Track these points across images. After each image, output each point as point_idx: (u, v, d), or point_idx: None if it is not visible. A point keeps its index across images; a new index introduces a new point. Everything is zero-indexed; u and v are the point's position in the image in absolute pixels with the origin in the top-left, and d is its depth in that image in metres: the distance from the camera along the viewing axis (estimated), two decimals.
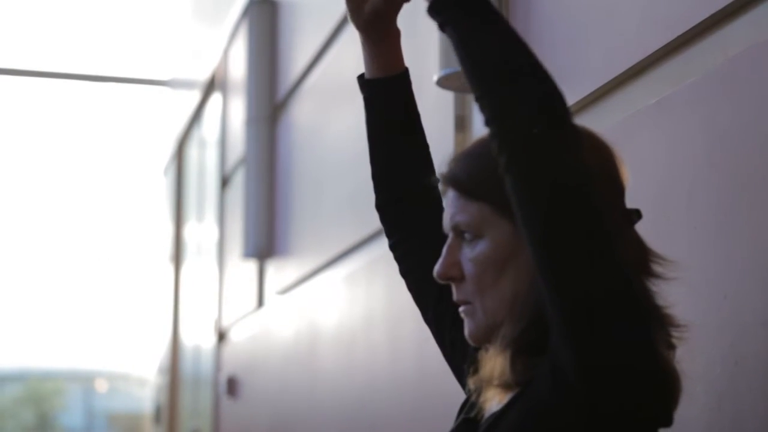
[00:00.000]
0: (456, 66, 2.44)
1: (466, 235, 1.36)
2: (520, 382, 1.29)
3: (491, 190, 1.34)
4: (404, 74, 1.64)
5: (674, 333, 1.31)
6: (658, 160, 1.82)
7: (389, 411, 3.20)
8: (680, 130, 1.77)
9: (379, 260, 3.23)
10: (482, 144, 1.39)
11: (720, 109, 1.67)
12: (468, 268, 1.36)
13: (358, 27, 1.62)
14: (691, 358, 1.63)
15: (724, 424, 1.61)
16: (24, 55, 11.49)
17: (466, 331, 1.38)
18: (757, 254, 1.56)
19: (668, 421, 1.26)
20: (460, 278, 1.37)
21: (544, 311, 1.26)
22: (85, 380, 20.95)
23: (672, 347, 1.31)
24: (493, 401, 1.35)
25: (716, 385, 1.62)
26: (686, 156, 1.74)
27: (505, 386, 1.31)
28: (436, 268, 1.38)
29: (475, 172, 1.36)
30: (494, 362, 1.32)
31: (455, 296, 1.39)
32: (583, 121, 2.07)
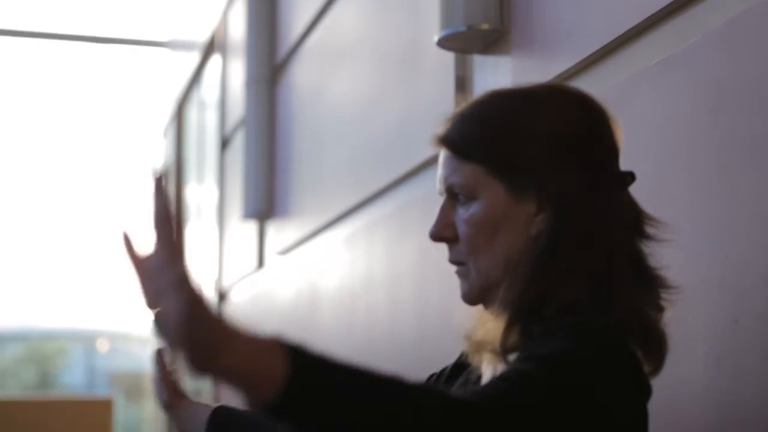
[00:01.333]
0: (457, 26, 2.43)
1: (460, 197, 1.36)
2: (509, 351, 1.28)
3: (485, 152, 1.34)
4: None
5: (665, 295, 1.32)
6: (659, 120, 1.82)
7: (389, 371, 3.21)
8: (681, 90, 1.76)
9: (380, 221, 3.24)
10: (477, 105, 1.38)
11: (721, 69, 1.66)
12: (462, 229, 1.36)
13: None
14: (692, 317, 1.64)
15: (724, 383, 1.61)
16: (22, 16, 11.42)
17: (461, 292, 1.39)
18: (758, 213, 1.56)
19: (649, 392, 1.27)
20: (454, 239, 1.38)
21: (541, 273, 1.27)
22: (86, 340, 21.00)
23: (661, 309, 1.31)
24: (488, 365, 1.36)
25: (717, 344, 1.63)
26: (687, 116, 1.74)
27: (496, 353, 1.31)
28: (431, 228, 1.39)
29: (469, 133, 1.36)
30: (490, 326, 1.32)
31: (449, 257, 1.39)
32: (584, 82, 2.07)
